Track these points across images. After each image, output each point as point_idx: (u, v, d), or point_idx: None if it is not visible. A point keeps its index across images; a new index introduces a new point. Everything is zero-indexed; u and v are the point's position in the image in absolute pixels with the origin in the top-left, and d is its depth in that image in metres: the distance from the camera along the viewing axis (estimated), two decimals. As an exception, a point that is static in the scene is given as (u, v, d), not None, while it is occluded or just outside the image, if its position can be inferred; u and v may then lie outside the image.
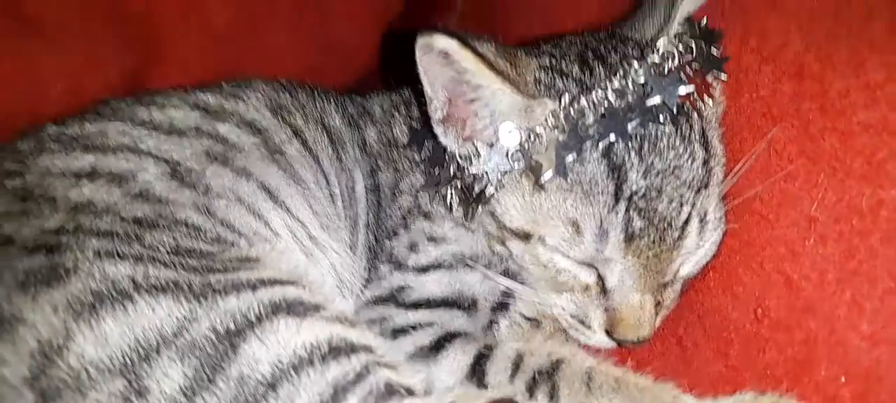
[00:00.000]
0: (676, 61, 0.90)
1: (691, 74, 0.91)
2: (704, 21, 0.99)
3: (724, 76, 0.96)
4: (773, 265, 0.90)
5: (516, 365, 0.91)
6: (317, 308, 0.77)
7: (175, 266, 0.78)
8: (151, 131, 0.98)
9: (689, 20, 0.97)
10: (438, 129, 0.95)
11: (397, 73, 1.10)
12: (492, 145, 0.92)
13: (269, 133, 1.04)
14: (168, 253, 0.80)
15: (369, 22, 1.78)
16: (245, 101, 1.08)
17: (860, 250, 0.82)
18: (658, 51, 0.90)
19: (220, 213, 0.90)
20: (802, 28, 0.93)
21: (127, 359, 0.69)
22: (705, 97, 0.93)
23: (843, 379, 0.82)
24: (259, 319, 0.73)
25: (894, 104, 0.82)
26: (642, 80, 0.88)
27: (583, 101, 0.87)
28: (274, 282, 0.78)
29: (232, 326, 0.72)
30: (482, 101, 0.90)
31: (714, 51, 0.97)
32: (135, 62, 1.39)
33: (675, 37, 0.93)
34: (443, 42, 0.84)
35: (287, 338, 0.72)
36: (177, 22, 1.49)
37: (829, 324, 0.83)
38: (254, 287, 0.76)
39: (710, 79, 0.96)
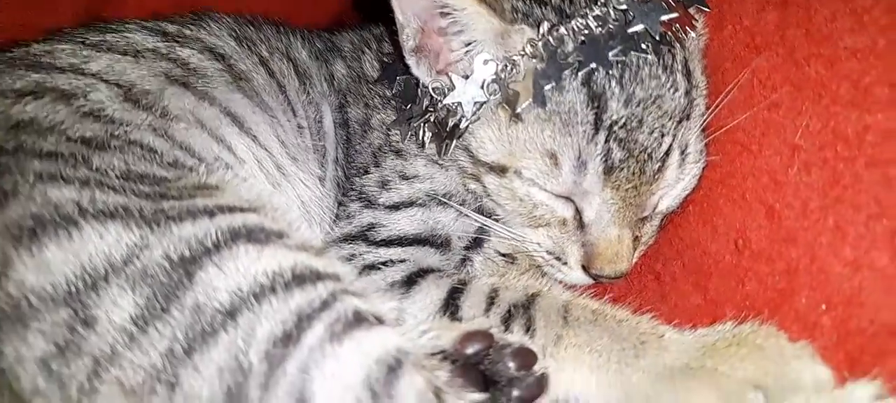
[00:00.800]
0: None
1: (674, 4, 0.88)
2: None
3: (706, 7, 0.94)
4: (754, 195, 0.88)
5: (491, 299, 0.88)
6: (280, 235, 0.72)
7: (125, 190, 0.72)
8: (104, 52, 0.92)
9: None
10: (411, 60, 0.92)
11: (367, 7, 1.05)
12: (467, 77, 0.88)
13: (233, 60, 0.99)
14: (118, 177, 0.74)
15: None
16: (207, 29, 1.02)
17: (845, 176, 0.80)
18: None
19: (178, 136, 0.85)
20: None
21: (72, 287, 0.64)
22: (687, 28, 0.90)
23: (823, 307, 0.80)
24: (217, 246, 0.68)
25: (882, 28, 0.80)
26: (624, 7, 0.85)
27: (562, 29, 0.84)
28: (233, 209, 0.73)
29: (187, 253, 0.67)
30: (457, 27, 0.86)
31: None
32: (89, 1, 1.31)
33: None
34: None
35: (247, 265, 0.67)
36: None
37: (810, 252, 0.81)
38: (211, 213, 0.71)
39: (692, 11, 0.93)
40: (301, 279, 0.68)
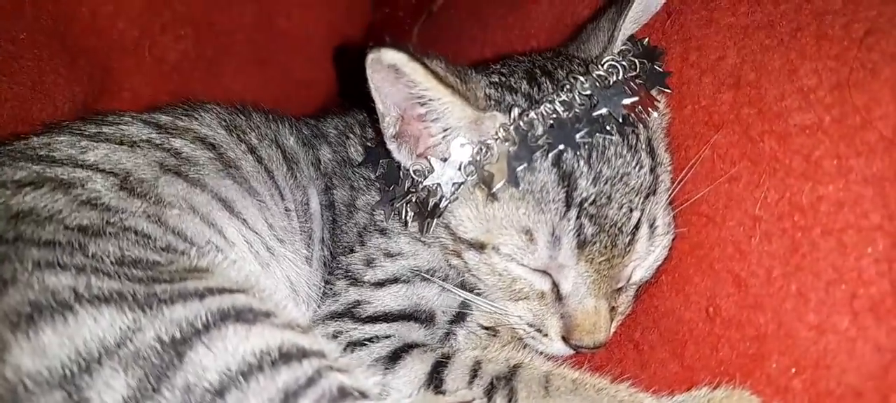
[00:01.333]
0: (621, 75, 0.94)
1: (636, 88, 0.95)
2: (647, 40, 1.03)
3: (667, 89, 1.00)
4: (722, 264, 0.92)
5: (474, 372, 0.91)
6: (267, 314, 0.75)
7: (119, 276, 0.75)
8: (101, 143, 0.97)
9: (632, 39, 1.01)
10: (392, 145, 0.96)
11: (351, 95, 1.11)
12: (445, 159, 0.93)
13: (223, 149, 1.04)
14: (112, 263, 0.78)
15: (328, 58, 1.79)
16: (199, 120, 1.08)
17: (803, 244, 0.85)
18: (603, 65, 0.93)
19: (171, 222, 0.89)
20: (737, 42, 0.98)
21: (66, 371, 0.67)
22: (650, 109, 0.96)
23: (793, 371, 0.83)
24: (206, 327, 0.71)
25: (827, 106, 0.86)
26: (588, 93, 0.91)
27: (532, 114, 0.90)
28: (222, 291, 0.76)
29: (177, 334, 0.70)
30: (433, 115, 0.92)
31: (657, 67, 1.01)
32: (85, 92, 1.37)
33: (618, 54, 0.96)
34: (392, 56, 0.86)
35: (235, 345, 0.70)
36: (128, 55, 1.48)
37: (777, 318, 0.85)
38: (201, 296, 0.75)
39: (654, 93, 0.99)
40: (287, 356, 0.71)
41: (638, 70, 0.96)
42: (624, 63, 0.94)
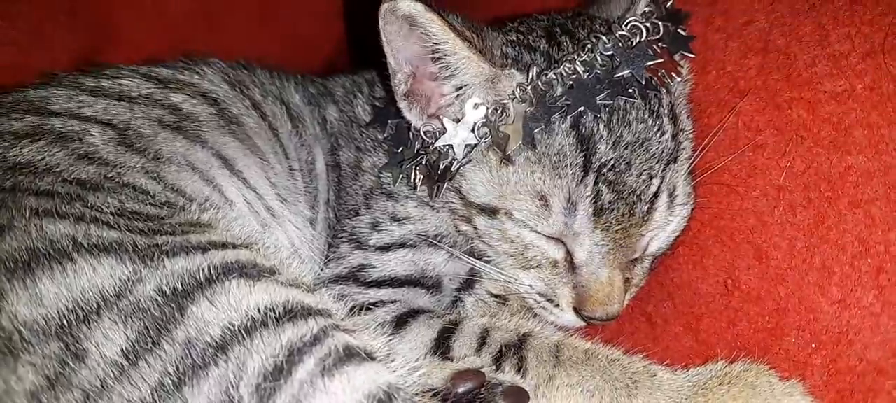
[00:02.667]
0: (644, 36, 0.89)
1: (659, 51, 0.91)
2: (671, 2, 0.98)
3: (691, 54, 0.96)
4: (742, 236, 0.89)
5: (483, 339, 0.88)
6: (271, 271, 0.72)
7: (119, 226, 0.72)
8: (99, 97, 0.93)
9: (656, 1, 0.97)
10: (402, 104, 0.93)
11: (361, 54, 1.08)
12: (457, 120, 0.89)
13: (225, 104, 1.00)
14: (112, 214, 0.75)
15: (335, 15, 1.74)
16: (201, 74, 1.04)
17: (829, 216, 0.82)
18: (626, 26, 0.89)
19: (170, 178, 0.86)
20: (766, 6, 0.95)
21: (64, 320, 0.64)
22: (673, 74, 0.92)
23: (813, 346, 0.81)
24: (209, 281, 0.68)
25: (859, 73, 0.83)
26: (610, 53, 0.87)
27: (551, 74, 0.86)
28: (225, 245, 0.73)
29: (179, 287, 0.67)
30: (448, 72, 0.88)
31: (681, 30, 0.97)
32: (84, 43, 1.33)
33: (641, 15, 0.92)
34: (407, 5, 0.82)
35: (239, 300, 0.67)
36: (129, 7, 1.44)
37: (798, 291, 0.83)
38: (204, 249, 0.71)
39: (677, 58, 0.95)
40: (292, 314, 0.68)
41: (661, 33, 0.92)
42: (647, 25, 0.90)
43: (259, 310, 0.67)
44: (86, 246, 0.68)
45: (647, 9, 0.93)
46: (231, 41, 1.58)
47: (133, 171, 0.83)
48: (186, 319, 0.65)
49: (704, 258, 0.94)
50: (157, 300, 0.66)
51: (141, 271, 0.68)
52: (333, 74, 1.22)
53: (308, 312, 0.69)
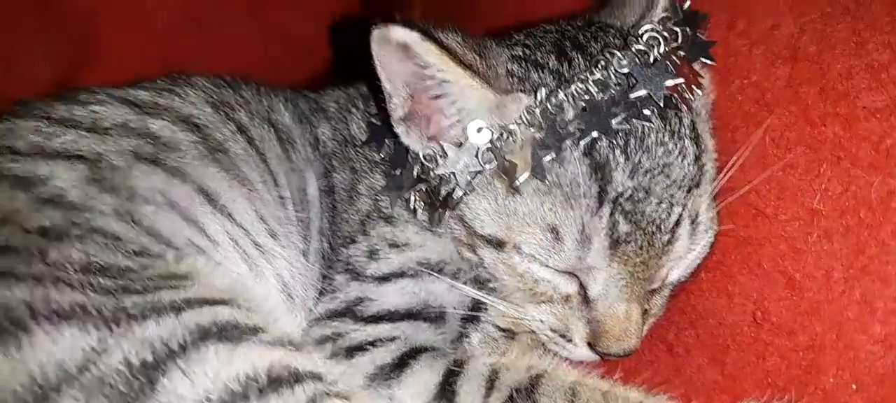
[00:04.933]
0: (662, 49, 0.82)
1: (678, 63, 0.83)
2: (688, 4, 0.90)
3: (711, 61, 0.88)
4: (772, 263, 0.82)
5: (491, 382, 0.81)
6: (254, 330, 0.65)
7: (83, 286, 0.65)
8: (69, 128, 0.86)
9: (672, 4, 0.89)
10: (400, 129, 0.86)
11: (353, 67, 1.00)
12: (460, 144, 0.82)
13: (209, 130, 0.93)
14: (76, 271, 0.68)
15: (327, 16, 1.67)
16: (182, 97, 0.96)
17: (870, 245, 0.75)
18: (642, 38, 0.81)
19: (145, 221, 0.79)
20: (794, 9, 0.87)
21: (20, 401, 0.57)
22: (694, 88, 0.84)
23: (854, 387, 0.75)
24: (183, 348, 0.61)
25: None
26: (626, 71, 0.79)
27: (561, 95, 0.78)
28: (202, 302, 0.67)
29: (149, 357, 0.60)
30: (448, 98, 0.81)
31: (700, 35, 0.89)
32: (64, 60, 1.26)
33: (658, 22, 0.84)
34: (401, 34, 0.75)
35: (217, 369, 0.61)
36: (112, 19, 1.37)
37: (836, 327, 0.76)
38: (178, 309, 0.65)
39: (697, 67, 0.87)
40: (278, 382, 0.62)
41: (679, 40, 0.84)
42: (665, 33, 0.82)
43: (240, 381, 0.60)
44: (44, 313, 0.62)
45: (664, 14, 0.86)
46: (223, 51, 1.52)
47: (104, 215, 0.76)
48: (158, 394, 0.59)
49: (730, 285, 0.87)
50: (124, 373, 0.59)
51: (107, 339, 0.61)
52: (327, 88, 1.14)
53: (296, 377, 0.63)
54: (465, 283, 0.91)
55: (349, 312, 0.91)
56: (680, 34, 0.84)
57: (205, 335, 0.63)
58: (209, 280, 0.72)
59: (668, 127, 0.80)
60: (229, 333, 0.64)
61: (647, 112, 0.78)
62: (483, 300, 0.90)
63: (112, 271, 0.69)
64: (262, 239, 0.88)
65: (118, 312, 0.63)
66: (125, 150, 0.84)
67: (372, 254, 0.94)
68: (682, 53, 0.84)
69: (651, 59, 0.80)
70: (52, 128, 0.85)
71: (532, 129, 0.78)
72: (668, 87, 0.79)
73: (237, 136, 0.94)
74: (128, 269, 0.70)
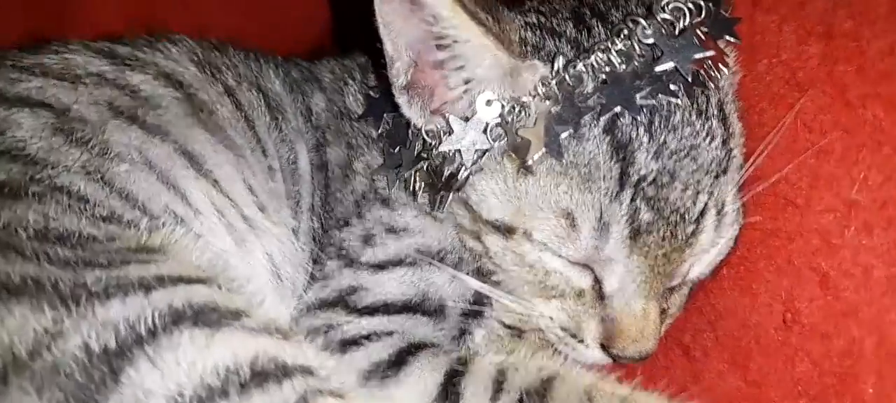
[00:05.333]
0: (688, 20, 0.75)
1: (703, 38, 0.76)
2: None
3: (736, 40, 0.82)
4: (803, 259, 0.76)
5: (499, 384, 0.75)
6: (237, 314, 0.58)
7: (38, 256, 0.58)
8: (35, 76, 0.77)
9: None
10: (401, 99, 0.78)
11: (352, 34, 0.93)
12: (467, 119, 0.75)
13: (193, 88, 0.85)
14: (30, 237, 0.60)
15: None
16: (165, 53, 0.88)
17: None
18: (667, 7, 0.74)
19: (118, 181, 0.71)
20: None
21: None
22: (721, 65, 0.77)
23: (897, 399, 0.68)
24: (152, 333, 0.53)
25: None
26: (651, 41, 0.73)
27: (580, 66, 0.72)
28: (177, 280, 0.59)
29: (112, 343, 0.52)
30: (457, 62, 0.74)
31: (723, 11, 0.82)
32: (37, 22, 1.17)
33: None
34: None
35: (192, 359, 0.53)
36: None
37: (877, 330, 0.70)
38: (147, 287, 0.57)
39: (721, 45, 0.81)
40: (263, 376, 0.54)
41: (703, 14, 0.77)
42: (690, 5, 0.75)
43: (218, 373, 0.53)
44: None
45: None
46: (209, 18, 1.42)
47: (69, 172, 0.68)
48: (122, 387, 0.51)
49: (754, 283, 0.81)
50: (82, 360, 0.51)
51: (63, 321, 0.53)
52: (321, 57, 1.07)
53: (283, 372, 0.55)
54: (467, 274, 0.84)
55: (342, 302, 0.84)
56: (704, 8, 0.77)
57: (178, 318, 0.55)
58: (186, 254, 0.65)
59: (694, 106, 0.74)
60: (207, 317, 0.56)
61: (673, 87, 0.71)
62: (487, 293, 0.83)
63: (73, 239, 0.61)
64: (250, 211, 0.80)
65: (78, 288, 0.55)
66: (99, 101, 0.76)
67: (367, 239, 0.87)
68: (705, 30, 0.78)
69: (676, 31, 0.73)
70: (17, 74, 0.77)
71: (548, 102, 0.71)
72: (695, 61, 0.72)
73: (224, 99, 0.86)
74: (92, 238, 0.62)
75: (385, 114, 0.87)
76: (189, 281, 0.60)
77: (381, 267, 0.85)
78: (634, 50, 0.72)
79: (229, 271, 0.65)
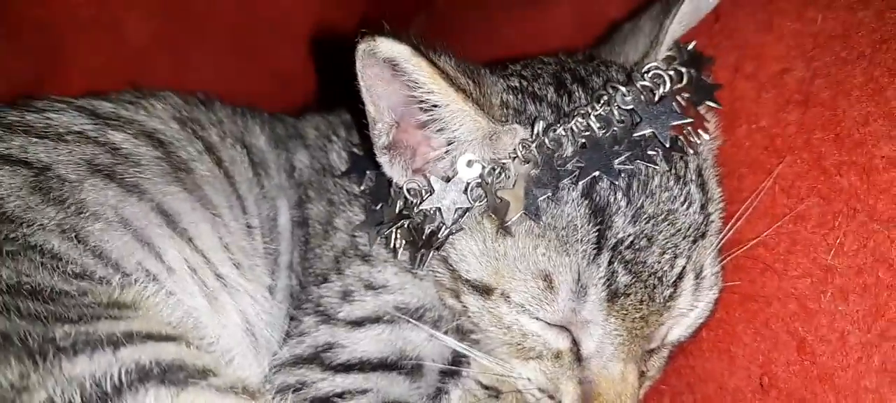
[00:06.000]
0: (668, 87, 0.76)
1: (683, 105, 0.78)
2: (693, 45, 0.86)
3: (717, 105, 0.84)
4: (781, 324, 0.76)
5: (474, 445, 0.73)
6: (204, 373, 0.57)
7: (8, 310, 0.57)
8: (17, 134, 0.78)
9: (677, 44, 0.84)
10: (383, 158, 0.79)
11: (334, 91, 0.94)
12: (448, 179, 0.75)
13: (173, 147, 0.85)
14: (2, 291, 0.59)
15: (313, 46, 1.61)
16: (148, 110, 0.89)
17: (890, 307, 0.69)
18: (646, 75, 0.76)
19: (92, 239, 0.71)
20: (805, 52, 0.83)
21: None
22: (700, 131, 0.79)
23: (874, 468, 0.66)
24: (118, 389, 0.53)
25: None
26: (630, 107, 0.74)
27: (560, 130, 0.73)
28: (146, 337, 0.58)
29: (77, 399, 0.52)
30: (437, 125, 0.74)
31: (704, 78, 0.84)
32: (29, 71, 1.19)
33: (663, 61, 0.79)
34: (390, 47, 0.68)
35: None
36: (82, 32, 1.30)
37: (853, 397, 0.70)
38: (116, 344, 0.56)
39: (702, 110, 0.82)
40: None
41: (684, 81, 0.79)
42: (671, 73, 0.77)
43: None
44: None
45: (668, 54, 0.80)
46: (200, 75, 1.44)
47: (44, 230, 0.68)
48: None
49: (733, 346, 0.80)
50: None
51: (29, 375, 0.52)
52: (307, 113, 1.08)
53: (249, 433, 0.54)
54: (446, 333, 0.83)
55: (317, 359, 0.83)
56: (685, 75, 0.79)
57: (144, 375, 0.54)
58: (157, 311, 0.64)
59: (673, 171, 0.74)
60: (173, 375, 0.55)
61: (651, 152, 0.72)
62: (465, 352, 0.82)
63: (45, 294, 0.61)
64: (225, 269, 0.80)
65: (46, 343, 0.55)
66: (79, 160, 0.77)
67: (346, 295, 0.86)
68: (686, 96, 0.79)
69: (656, 98, 0.75)
70: (0, 131, 0.77)
71: (527, 165, 0.72)
72: (673, 127, 0.73)
73: (204, 156, 0.87)
74: (64, 293, 0.62)
75: (368, 172, 0.87)
76: (158, 338, 0.59)
77: (358, 323, 0.84)
78: (614, 115, 0.73)
79: (200, 329, 0.65)
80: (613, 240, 0.71)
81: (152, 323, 0.61)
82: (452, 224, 0.75)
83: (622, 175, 0.72)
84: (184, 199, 0.81)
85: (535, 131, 0.72)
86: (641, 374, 0.77)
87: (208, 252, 0.79)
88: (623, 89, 0.73)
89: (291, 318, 0.87)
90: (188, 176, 0.83)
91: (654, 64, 0.77)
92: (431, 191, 0.75)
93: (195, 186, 0.83)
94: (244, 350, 0.78)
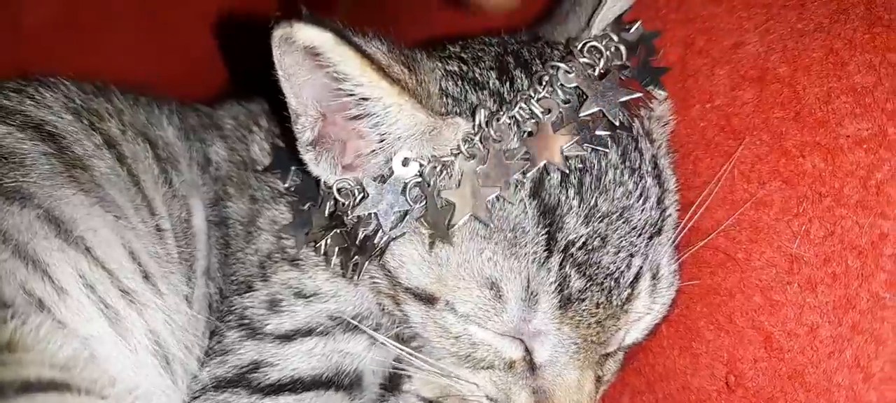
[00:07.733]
0: (608, 62, 0.71)
1: (627, 82, 0.71)
2: (638, 24, 0.79)
3: (662, 92, 0.79)
4: (745, 318, 0.72)
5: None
6: None
7: None
8: None
9: (619, 21, 0.78)
10: (307, 155, 0.70)
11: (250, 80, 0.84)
12: (383, 178, 0.67)
13: (66, 140, 0.75)
14: None
15: (237, 32, 1.49)
16: (36, 100, 0.78)
17: (861, 297, 0.65)
18: (584, 49, 0.70)
19: None
20: (759, 24, 0.78)
21: None
22: (646, 109, 0.74)
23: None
24: None
25: (890, 113, 0.66)
26: (574, 84, 0.67)
27: (504, 118, 0.66)
28: (25, 387, 0.48)
29: None
30: (369, 120, 0.66)
31: (649, 58, 0.79)
32: None
33: (600, 37, 0.73)
34: (310, 34, 0.60)
35: None
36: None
37: (826, 394, 0.66)
38: None
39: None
40: None
41: (624, 58, 0.73)
42: (611, 47, 0.71)
43: None
44: None
45: (608, 29, 0.74)
46: (108, 61, 1.30)
47: None
48: None
49: (695, 342, 0.76)
50: None
51: None
52: (224, 101, 0.97)
53: None
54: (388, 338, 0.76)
55: (242, 380, 0.75)
56: (625, 52, 0.73)
57: None
58: (40, 350, 0.54)
59: (627, 163, 0.68)
60: None
61: (600, 133, 0.65)
62: (411, 359, 0.75)
63: None
64: (132, 282, 0.70)
65: None
66: None
67: (273, 305, 0.78)
68: (628, 74, 0.74)
69: (597, 73, 0.69)
70: None
71: (473, 161, 0.64)
72: (621, 103, 0.67)
73: (103, 151, 0.76)
74: None
75: (293, 167, 0.78)
76: (38, 387, 0.49)
77: (288, 337, 0.76)
78: (557, 95, 0.66)
79: (94, 366, 0.55)
80: (564, 242, 0.65)
81: (31, 368, 0.51)
82: (391, 229, 0.67)
83: (573, 170, 0.65)
84: (79, 203, 0.70)
85: (477, 121, 0.65)
86: (598, 379, 0.72)
87: (111, 262, 0.69)
88: (564, 66, 0.67)
89: (212, 333, 0.77)
90: (85, 174, 0.72)
91: (590, 40, 0.71)
92: (364, 193, 0.67)
93: (94, 186, 0.72)
94: (152, 382, 0.68)
